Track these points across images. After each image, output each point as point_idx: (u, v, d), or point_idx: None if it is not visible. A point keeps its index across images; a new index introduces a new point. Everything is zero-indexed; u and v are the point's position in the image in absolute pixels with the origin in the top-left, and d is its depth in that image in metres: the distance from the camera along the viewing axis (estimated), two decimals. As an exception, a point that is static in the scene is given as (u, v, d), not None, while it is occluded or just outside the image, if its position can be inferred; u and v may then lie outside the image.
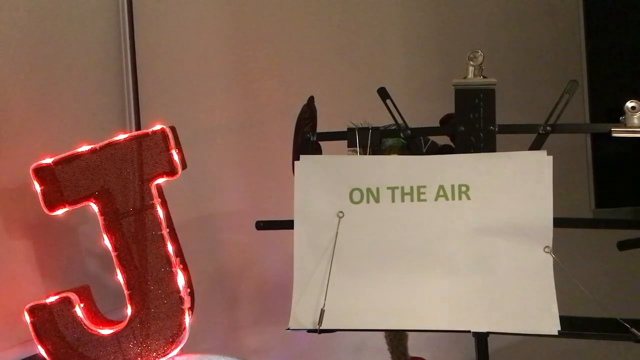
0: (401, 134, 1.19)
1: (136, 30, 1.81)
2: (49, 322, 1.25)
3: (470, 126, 1.15)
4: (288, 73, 1.83)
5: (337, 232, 1.14)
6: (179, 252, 1.31)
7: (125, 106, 1.79)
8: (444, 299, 1.10)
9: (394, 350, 1.36)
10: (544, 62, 1.91)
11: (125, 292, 1.26)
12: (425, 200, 1.13)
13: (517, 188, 1.11)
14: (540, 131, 1.13)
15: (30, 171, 1.25)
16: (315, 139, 1.21)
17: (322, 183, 1.17)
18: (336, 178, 1.17)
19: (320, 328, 1.10)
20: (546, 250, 1.08)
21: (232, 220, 1.85)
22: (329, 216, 1.16)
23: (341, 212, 1.15)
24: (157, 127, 1.29)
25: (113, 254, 1.26)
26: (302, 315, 1.13)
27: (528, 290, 1.07)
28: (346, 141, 1.19)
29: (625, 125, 1.09)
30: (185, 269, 1.31)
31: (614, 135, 1.10)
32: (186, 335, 1.27)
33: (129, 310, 1.26)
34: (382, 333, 1.35)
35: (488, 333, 1.08)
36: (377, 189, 1.15)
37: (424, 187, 1.14)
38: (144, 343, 1.25)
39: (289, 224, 1.17)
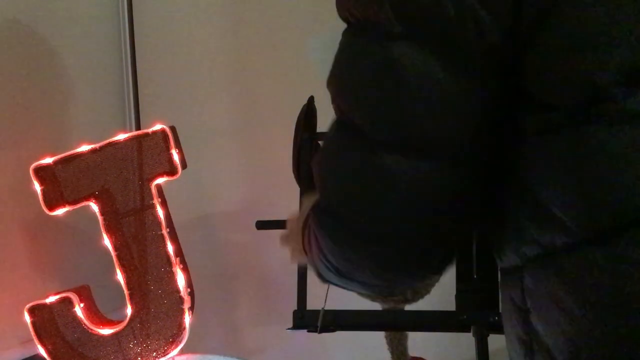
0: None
1: (136, 30, 1.81)
2: (49, 322, 1.25)
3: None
4: (288, 73, 1.82)
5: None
6: (179, 252, 1.31)
7: (125, 106, 1.78)
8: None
9: (394, 350, 1.36)
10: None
11: (125, 292, 1.26)
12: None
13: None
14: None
15: (30, 171, 1.25)
16: (315, 138, 1.21)
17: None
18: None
19: (320, 328, 1.10)
20: (546, 249, 1.07)
21: (232, 220, 1.84)
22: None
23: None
24: (157, 127, 1.29)
25: (113, 254, 1.26)
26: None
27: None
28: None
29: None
30: (185, 269, 1.31)
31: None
32: (186, 335, 1.27)
33: (129, 310, 1.26)
34: (382, 333, 1.34)
35: (488, 333, 1.08)
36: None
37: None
38: (144, 343, 1.25)
39: (289, 224, 1.16)
